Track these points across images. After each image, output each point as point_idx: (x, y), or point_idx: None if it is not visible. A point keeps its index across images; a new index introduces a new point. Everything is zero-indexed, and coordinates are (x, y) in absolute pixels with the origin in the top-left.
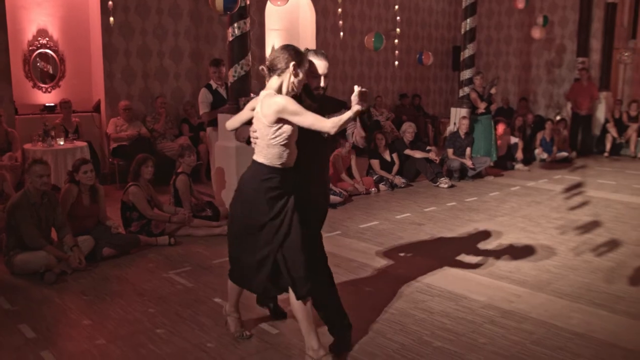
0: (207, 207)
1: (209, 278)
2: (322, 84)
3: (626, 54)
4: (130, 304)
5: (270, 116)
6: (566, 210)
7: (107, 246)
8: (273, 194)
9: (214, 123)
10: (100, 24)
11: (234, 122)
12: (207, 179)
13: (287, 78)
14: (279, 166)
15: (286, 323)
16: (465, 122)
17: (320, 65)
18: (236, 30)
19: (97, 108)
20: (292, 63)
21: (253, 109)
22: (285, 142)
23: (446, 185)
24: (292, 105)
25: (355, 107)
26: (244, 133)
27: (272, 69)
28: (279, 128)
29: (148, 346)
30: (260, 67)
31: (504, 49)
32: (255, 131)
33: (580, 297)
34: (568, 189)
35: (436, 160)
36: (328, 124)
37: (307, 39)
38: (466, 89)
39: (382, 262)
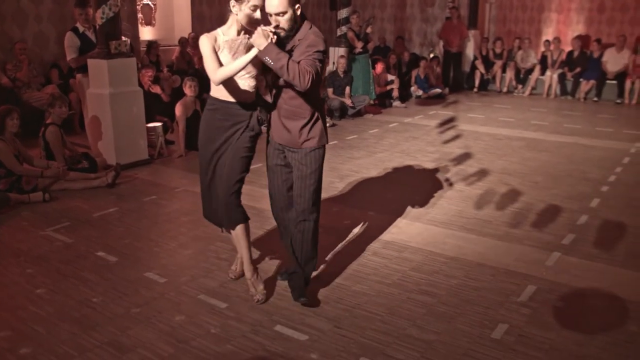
0: (82, 159)
1: (90, 232)
2: (272, 23)
3: None
4: (5, 266)
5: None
6: (440, 144)
7: None
8: (219, 124)
9: (83, 69)
10: None
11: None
12: (81, 129)
13: (234, 16)
14: (223, 99)
15: (174, 271)
16: (343, 61)
17: (267, 1)
18: None
19: None
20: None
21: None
22: None
23: (327, 125)
24: (203, 46)
25: (253, 49)
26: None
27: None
28: None
29: (29, 308)
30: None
31: None
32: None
33: (453, 223)
34: (442, 124)
35: None
36: (214, 75)
37: None
38: (343, 29)
39: (266, 204)
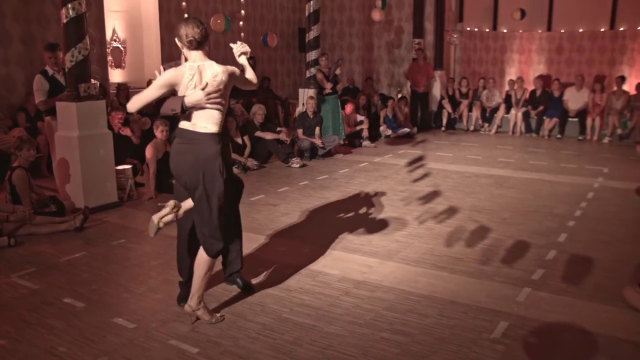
0: (50, 203)
1: (57, 277)
2: None
3: (455, 35)
4: None
5: (230, 85)
6: (410, 183)
7: None
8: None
9: (52, 112)
10: None
11: (137, 103)
12: (48, 172)
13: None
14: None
15: (143, 316)
16: (312, 102)
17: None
18: (70, 12)
19: None
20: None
21: (170, 86)
22: None
23: (298, 165)
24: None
25: (242, 56)
26: (172, 104)
27: (202, 43)
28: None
29: None
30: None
31: (347, 30)
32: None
33: (425, 262)
34: (411, 163)
35: (287, 141)
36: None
37: (150, 21)
38: (313, 70)
39: None
